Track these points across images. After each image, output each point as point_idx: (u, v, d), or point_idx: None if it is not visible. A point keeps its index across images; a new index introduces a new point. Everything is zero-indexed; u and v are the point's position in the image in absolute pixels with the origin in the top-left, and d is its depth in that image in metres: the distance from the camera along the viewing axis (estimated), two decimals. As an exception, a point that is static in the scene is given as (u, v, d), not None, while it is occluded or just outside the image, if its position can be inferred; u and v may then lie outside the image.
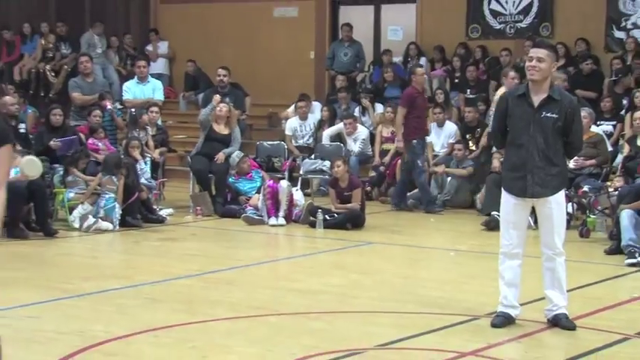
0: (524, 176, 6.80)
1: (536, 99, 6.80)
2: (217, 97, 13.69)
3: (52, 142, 12.55)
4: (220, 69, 14.83)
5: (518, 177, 6.85)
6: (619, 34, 16.70)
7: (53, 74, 18.78)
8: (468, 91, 16.55)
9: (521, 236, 6.95)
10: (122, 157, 12.53)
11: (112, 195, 11.73)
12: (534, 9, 17.35)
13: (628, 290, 8.66)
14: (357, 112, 16.34)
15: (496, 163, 12.62)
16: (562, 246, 6.90)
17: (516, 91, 7.03)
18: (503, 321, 6.92)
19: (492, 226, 12.05)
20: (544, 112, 6.76)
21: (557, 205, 6.84)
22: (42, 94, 18.30)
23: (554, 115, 6.75)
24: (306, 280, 8.92)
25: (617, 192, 10.99)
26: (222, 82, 14.64)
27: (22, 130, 12.67)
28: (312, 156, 15.12)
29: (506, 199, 6.95)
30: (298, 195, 12.72)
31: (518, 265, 6.96)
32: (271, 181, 12.63)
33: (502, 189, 7.02)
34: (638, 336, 6.83)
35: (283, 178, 13.46)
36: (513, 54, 16.61)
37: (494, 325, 6.89)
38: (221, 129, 13.56)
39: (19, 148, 11.78)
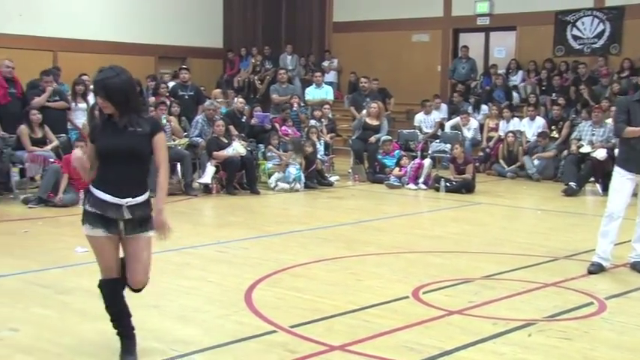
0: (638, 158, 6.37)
1: None
2: (364, 112, 13.65)
3: (253, 120, 12.85)
4: (363, 78, 14.87)
5: (633, 158, 6.39)
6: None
7: (259, 82, 19.18)
8: (554, 94, 15.99)
9: (626, 202, 6.48)
10: (303, 140, 12.70)
11: (298, 166, 11.92)
12: (606, 33, 16.57)
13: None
14: (470, 109, 16.06)
15: (573, 147, 12.15)
16: None
17: (633, 97, 6.64)
18: (597, 269, 6.51)
19: (569, 193, 11.64)
20: None
21: None
22: (251, 97, 18.72)
23: None
24: (431, 228, 8.85)
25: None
26: (364, 87, 14.63)
27: (243, 120, 13.04)
28: (437, 140, 14.94)
29: (621, 174, 6.45)
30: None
31: (618, 225, 6.49)
32: (418, 159, 12.66)
33: (616, 167, 6.52)
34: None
35: (425, 157, 13.36)
36: (588, 67, 15.98)
37: (590, 272, 6.45)
38: (373, 121, 13.56)
39: (235, 132, 12.18)
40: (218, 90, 15.28)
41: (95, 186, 4.05)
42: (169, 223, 4.11)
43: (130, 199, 3.99)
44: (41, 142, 10.58)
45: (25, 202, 9.89)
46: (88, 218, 4.05)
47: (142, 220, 4.06)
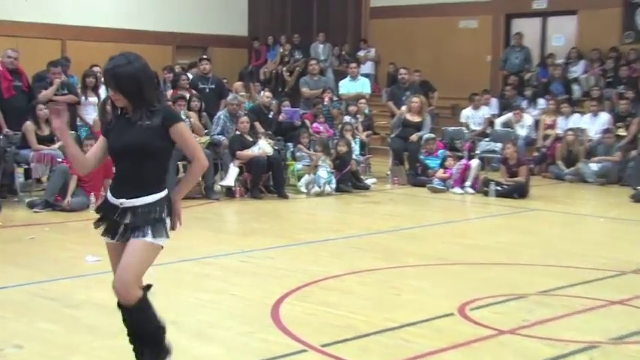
0: None
1: None
2: (404, 108, 13.62)
3: (280, 116, 12.87)
4: (403, 69, 14.83)
5: None
6: None
7: (288, 74, 19.25)
8: (620, 87, 15.78)
9: None
10: (336, 138, 12.71)
11: (328, 168, 11.93)
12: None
13: None
14: (523, 104, 15.92)
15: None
16: None
17: None
18: None
19: (638, 198, 11.49)
20: None
21: None
22: (279, 90, 18.78)
23: None
24: (480, 238, 8.79)
25: None
26: (404, 79, 14.60)
27: (270, 116, 13.08)
28: (487, 139, 14.86)
29: None
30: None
31: None
32: (465, 160, 12.60)
33: None
34: None
35: (473, 157, 13.29)
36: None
37: None
38: (414, 117, 13.52)
39: (261, 130, 12.23)
40: (239, 83, 15.36)
41: (110, 186, 4.14)
42: (180, 213, 4.06)
43: (124, 200, 3.97)
44: (48, 140, 10.71)
45: (31, 205, 10.04)
46: (99, 222, 4.12)
47: (143, 225, 3.95)
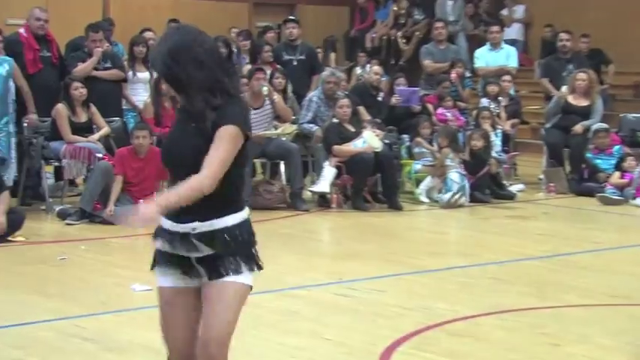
0: None
1: None
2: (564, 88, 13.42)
3: (393, 99, 12.88)
4: (564, 33, 14.55)
5: None
6: None
7: (404, 41, 19.22)
8: None
9: None
10: (470, 128, 12.64)
11: (460, 169, 11.85)
12: None
13: None
14: None
15: None
16: None
17: None
18: None
19: None
20: None
21: None
22: (392, 62, 18.79)
23: None
24: (671, 269, 8.61)
25: None
26: (565, 48, 14.37)
27: (379, 99, 13.12)
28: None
29: None
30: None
31: None
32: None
33: None
34: None
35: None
36: None
37: None
38: (579, 101, 13.30)
39: (367, 117, 12.26)
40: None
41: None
42: (146, 217, 3.73)
43: (197, 224, 3.86)
44: (85, 130, 10.95)
45: (63, 216, 10.33)
46: (156, 258, 4.01)
47: (233, 255, 3.90)
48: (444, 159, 11.93)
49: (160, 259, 3.97)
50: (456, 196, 11.63)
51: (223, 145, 3.82)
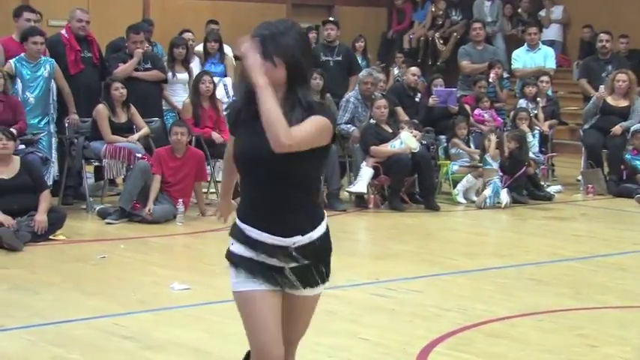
0: None
1: None
2: (603, 88, 13.30)
3: (430, 99, 12.83)
4: (603, 34, 14.44)
5: None
6: None
7: (442, 42, 19.20)
8: None
9: None
10: (507, 130, 12.58)
11: (495, 169, 11.80)
12: None
13: None
14: None
15: None
16: None
17: None
18: None
19: None
20: None
21: None
22: (430, 63, 18.76)
23: None
24: None
25: None
26: (604, 49, 14.26)
27: (416, 99, 13.09)
28: None
29: None
30: None
31: None
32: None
33: None
34: None
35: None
36: None
37: None
38: (619, 101, 13.22)
39: (405, 117, 12.26)
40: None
41: (241, 215, 3.91)
42: (256, 62, 3.63)
43: (299, 237, 3.84)
44: (125, 130, 11.03)
45: (102, 215, 10.41)
46: (240, 264, 3.90)
47: (321, 264, 3.96)
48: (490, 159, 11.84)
49: (245, 265, 3.88)
50: (496, 199, 11.59)
51: (314, 125, 3.71)
